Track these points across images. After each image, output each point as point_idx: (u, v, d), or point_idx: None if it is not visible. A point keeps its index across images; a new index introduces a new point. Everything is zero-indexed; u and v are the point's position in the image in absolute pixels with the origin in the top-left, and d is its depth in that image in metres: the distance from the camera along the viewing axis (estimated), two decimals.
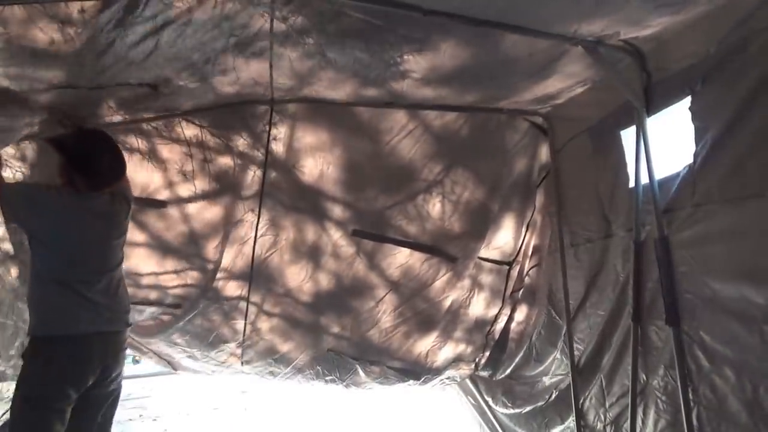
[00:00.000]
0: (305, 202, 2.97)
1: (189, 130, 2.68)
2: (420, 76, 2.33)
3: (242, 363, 3.44)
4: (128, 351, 4.09)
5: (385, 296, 3.25)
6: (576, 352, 2.84)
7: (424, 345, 3.46)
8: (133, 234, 2.86)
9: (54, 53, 1.98)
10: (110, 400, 2.21)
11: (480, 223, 3.12)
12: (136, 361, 10.01)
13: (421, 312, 3.31)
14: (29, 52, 1.92)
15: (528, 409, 3.30)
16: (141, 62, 2.17)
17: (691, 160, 2.02)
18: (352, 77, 2.38)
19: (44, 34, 1.87)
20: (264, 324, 3.27)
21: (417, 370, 3.56)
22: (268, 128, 2.68)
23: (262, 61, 2.26)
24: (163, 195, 2.82)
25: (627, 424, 2.41)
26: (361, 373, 3.53)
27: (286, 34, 2.02)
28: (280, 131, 2.74)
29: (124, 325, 2.27)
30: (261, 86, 2.43)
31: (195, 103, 2.53)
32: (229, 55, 2.19)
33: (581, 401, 2.80)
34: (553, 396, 3.08)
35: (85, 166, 2.19)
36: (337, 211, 3.01)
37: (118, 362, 2.21)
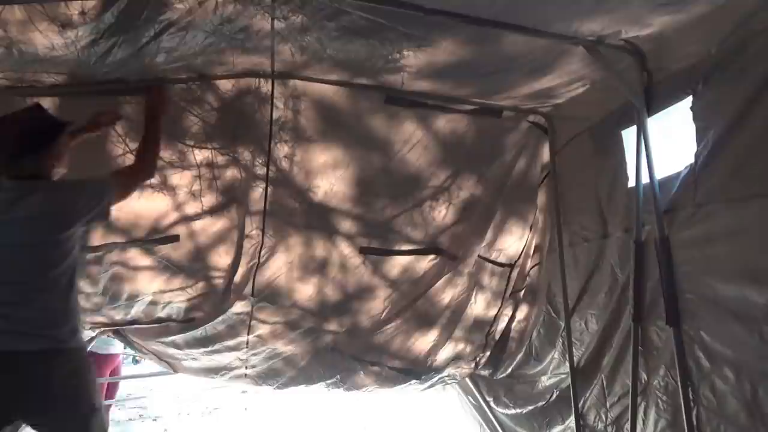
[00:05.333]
0: (316, 219, 2.96)
1: (201, 155, 2.65)
2: (417, 71, 2.33)
3: (246, 367, 3.45)
4: (128, 351, 4.08)
5: (386, 296, 3.26)
6: (575, 352, 2.84)
7: (425, 344, 3.46)
8: (140, 258, 2.87)
9: (54, 57, 1.97)
10: None
11: (482, 223, 3.12)
12: (136, 361, 10.02)
13: (422, 311, 3.31)
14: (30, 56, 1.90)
15: (529, 408, 3.30)
16: (139, 64, 2.17)
17: (692, 160, 2.02)
18: (348, 69, 2.38)
19: (44, 37, 1.87)
20: (267, 331, 3.28)
21: (418, 370, 3.56)
22: (270, 115, 2.64)
23: (261, 55, 2.27)
24: (172, 217, 2.80)
25: (628, 424, 2.41)
26: (361, 374, 3.53)
27: (286, 32, 2.03)
28: (294, 152, 2.74)
29: (48, 342, 1.84)
30: (261, 67, 2.43)
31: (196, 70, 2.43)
32: (228, 52, 2.20)
33: (581, 401, 2.80)
34: (554, 396, 3.08)
35: None
36: (346, 225, 3.01)
37: (34, 396, 1.78)
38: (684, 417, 2.07)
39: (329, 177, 2.86)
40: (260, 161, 2.74)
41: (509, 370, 3.47)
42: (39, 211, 1.88)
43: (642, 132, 2.26)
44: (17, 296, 1.83)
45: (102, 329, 3.15)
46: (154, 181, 2.62)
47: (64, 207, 1.94)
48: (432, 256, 3.20)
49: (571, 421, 2.87)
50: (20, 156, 1.92)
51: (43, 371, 1.81)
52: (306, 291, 3.18)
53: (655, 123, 2.24)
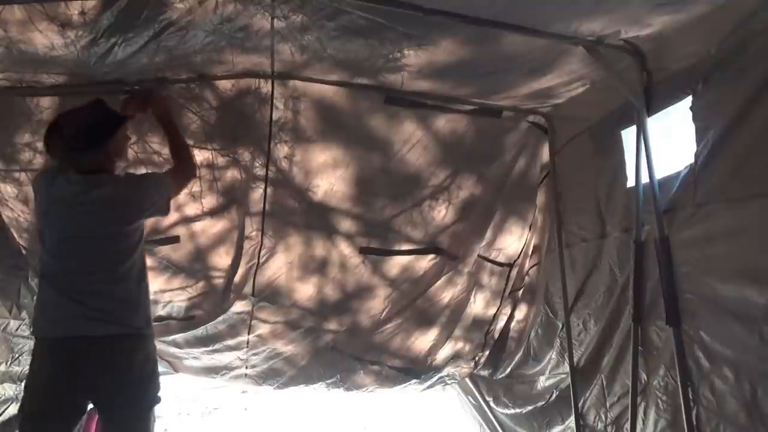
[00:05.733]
0: (316, 219, 2.96)
1: (201, 156, 2.65)
2: (417, 70, 2.33)
3: (246, 367, 3.45)
4: None
5: (386, 296, 3.26)
6: (574, 352, 2.84)
7: (424, 343, 3.46)
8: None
9: (54, 56, 1.97)
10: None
11: (481, 223, 3.12)
12: None
13: (422, 310, 3.31)
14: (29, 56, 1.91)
15: (529, 408, 3.30)
16: (139, 64, 2.17)
17: (692, 159, 2.02)
18: (348, 69, 2.38)
19: (44, 37, 1.87)
20: (267, 330, 3.28)
21: (417, 369, 3.56)
22: (269, 117, 2.64)
23: (261, 54, 2.27)
24: (172, 218, 2.80)
25: (627, 424, 2.41)
26: (361, 373, 3.53)
27: (286, 31, 2.03)
28: (294, 152, 2.74)
29: (123, 328, 1.96)
30: (261, 67, 2.43)
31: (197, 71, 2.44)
32: (228, 51, 2.20)
33: (581, 401, 2.80)
34: (554, 396, 3.08)
35: (47, 141, 2.02)
36: (346, 225, 3.01)
37: (110, 375, 1.91)
38: (684, 417, 2.06)
39: (329, 177, 2.86)
40: (260, 162, 2.74)
41: (508, 370, 3.47)
42: (104, 204, 1.98)
43: (642, 132, 2.25)
44: (91, 286, 1.94)
45: None
46: None
47: (129, 200, 2.04)
48: (432, 256, 3.20)
49: (571, 421, 2.87)
50: (83, 151, 1.98)
51: (119, 354, 1.93)
52: (306, 291, 3.18)
53: (654, 123, 2.24)
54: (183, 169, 2.33)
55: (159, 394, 2.04)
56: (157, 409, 2.04)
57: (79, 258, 1.97)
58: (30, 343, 2.79)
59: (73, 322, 1.90)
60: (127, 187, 2.09)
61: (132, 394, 1.96)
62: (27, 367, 2.78)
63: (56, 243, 1.98)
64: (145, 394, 2.00)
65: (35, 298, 2.09)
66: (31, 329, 2.03)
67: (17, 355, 2.78)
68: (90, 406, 2.03)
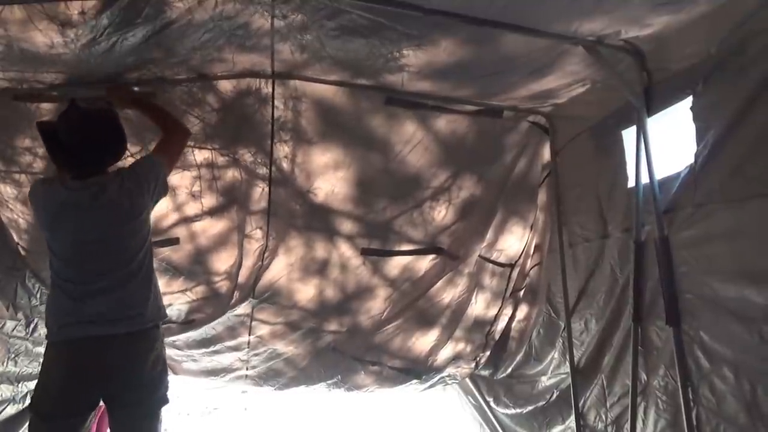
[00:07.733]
0: (317, 221, 2.96)
1: (201, 156, 2.65)
2: (417, 71, 2.33)
3: (247, 368, 3.44)
4: None
5: (387, 297, 3.25)
6: (575, 352, 2.84)
7: (425, 344, 3.46)
8: None
9: (54, 55, 1.97)
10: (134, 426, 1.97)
11: (482, 223, 3.11)
12: None
13: (423, 311, 3.31)
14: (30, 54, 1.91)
15: (529, 408, 3.30)
16: (139, 63, 2.17)
17: (692, 160, 2.02)
18: (348, 69, 2.38)
19: (44, 36, 1.87)
20: (267, 331, 3.28)
21: (418, 369, 3.56)
22: (271, 118, 2.65)
23: (261, 54, 2.26)
24: (172, 219, 2.80)
25: (628, 424, 2.41)
26: (362, 374, 3.53)
27: (286, 30, 2.03)
28: (294, 153, 2.74)
29: (133, 327, 1.97)
30: (261, 67, 2.43)
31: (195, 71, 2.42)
32: (228, 49, 2.20)
33: (582, 401, 2.80)
34: (554, 396, 3.08)
35: (58, 151, 1.99)
36: (347, 226, 3.00)
37: (123, 373, 1.93)
38: (684, 417, 2.06)
39: (330, 179, 2.85)
40: (261, 161, 2.74)
41: (509, 370, 3.47)
42: (110, 205, 1.98)
43: (642, 132, 2.25)
44: (103, 287, 1.95)
45: None
46: None
47: (133, 194, 2.03)
48: (433, 256, 3.20)
49: (572, 421, 2.87)
50: (103, 164, 2.05)
51: (132, 353, 1.95)
52: (307, 292, 3.17)
53: (655, 123, 2.24)
54: (173, 135, 2.28)
55: (168, 394, 2.06)
56: (165, 410, 2.04)
57: (90, 261, 1.98)
58: (27, 344, 2.79)
59: (87, 324, 1.91)
60: (127, 181, 2.05)
61: (143, 393, 1.98)
62: (24, 368, 2.79)
63: (65, 249, 1.99)
64: (156, 394, 2.01)
65: (46, 302, 2.09)
66: (45, 334, 2.03)
67: (14, 356, 2.77)
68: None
